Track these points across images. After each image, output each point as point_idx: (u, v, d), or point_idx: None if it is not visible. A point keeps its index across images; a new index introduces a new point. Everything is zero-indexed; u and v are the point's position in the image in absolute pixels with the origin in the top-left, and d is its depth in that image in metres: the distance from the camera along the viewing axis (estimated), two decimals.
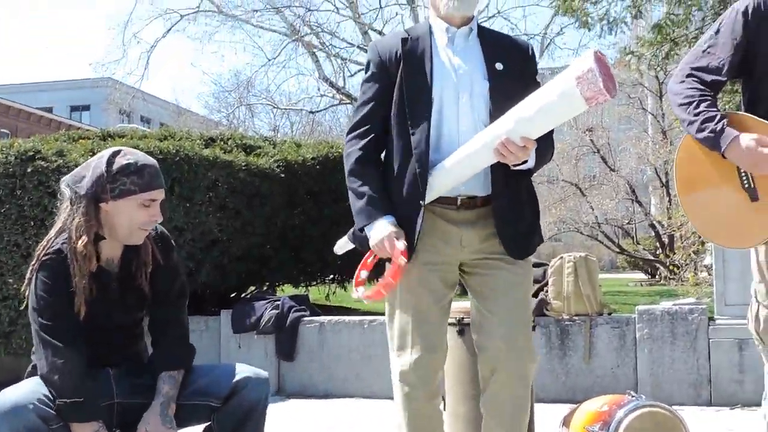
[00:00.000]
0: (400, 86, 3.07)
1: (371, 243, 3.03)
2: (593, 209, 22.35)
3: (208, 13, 19.32)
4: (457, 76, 3.08)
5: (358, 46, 18.84)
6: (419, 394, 3.05)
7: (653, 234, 21.58)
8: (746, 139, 2.95)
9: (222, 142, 7.85)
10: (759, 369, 3.48)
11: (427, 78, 3.06)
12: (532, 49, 3.31)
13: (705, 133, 3.03)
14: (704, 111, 3.06)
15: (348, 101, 19.76)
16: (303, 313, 7.01)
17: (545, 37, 18.47)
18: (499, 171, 3.02)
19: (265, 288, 8.14)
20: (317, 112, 23.80)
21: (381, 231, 3.00)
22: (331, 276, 8.88)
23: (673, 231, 15.86)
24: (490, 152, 2.90)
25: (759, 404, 3.49)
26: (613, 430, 3.60)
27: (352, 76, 20.25)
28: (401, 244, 2.95)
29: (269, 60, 19.97)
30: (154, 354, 3.10)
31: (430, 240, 3.06)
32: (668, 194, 19.98)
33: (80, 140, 7.51)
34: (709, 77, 3.14)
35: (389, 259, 3.03)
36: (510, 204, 3.07)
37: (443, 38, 3.15)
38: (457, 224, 3.07)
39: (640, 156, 23.58)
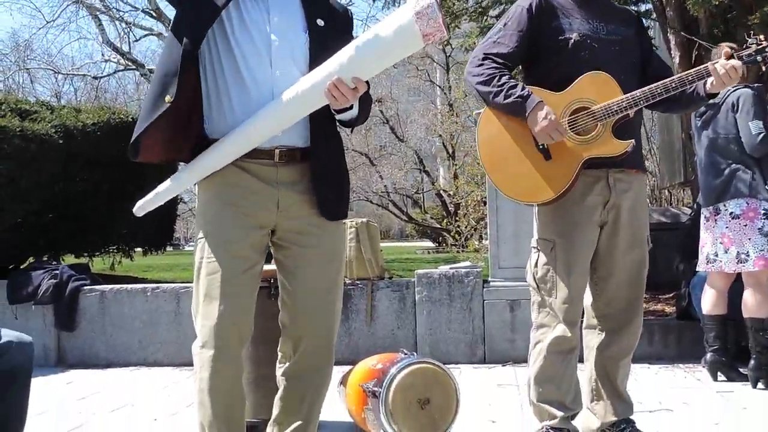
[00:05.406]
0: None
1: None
2: (382, 178, 22.87)
3: None
4: (271, 25, 2.87)
5: (143, 11, 18.24)
6: (220, 362, 2.84)
7: (440, 203, 22.30)
8: (545, 110, 3.29)
9: None
10: (528, 328, 3.69)
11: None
12: (351, 14, 3.18)
13: (512, 99, 3.34)
14: (507, 82, 3.38)
15: (134, 67, 19.14)
16: (83, 282, 6.82)
17: None
18: (317, 121, 2.89)
19: (45, 258, 7.85)
20: (102, 78, 22.94)
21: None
22: (116, 246, 8.67)
23: (459, 200, 16.44)
24: (320, 94, 2.74)
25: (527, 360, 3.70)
26: (386, 386, 3.72)
27: (137, 40, 19.69)
28: None
29: (48, 22, 19.03)
30: None
31: (244, 201, 2.86)
32: (455, 164, 20.66)
33: None
34: (501, 61, 3.47)
35: None
36: (328, 159, 2.95)
37: None
38: (276, 185, 2.88)
39: (428, 127, 24.28)
